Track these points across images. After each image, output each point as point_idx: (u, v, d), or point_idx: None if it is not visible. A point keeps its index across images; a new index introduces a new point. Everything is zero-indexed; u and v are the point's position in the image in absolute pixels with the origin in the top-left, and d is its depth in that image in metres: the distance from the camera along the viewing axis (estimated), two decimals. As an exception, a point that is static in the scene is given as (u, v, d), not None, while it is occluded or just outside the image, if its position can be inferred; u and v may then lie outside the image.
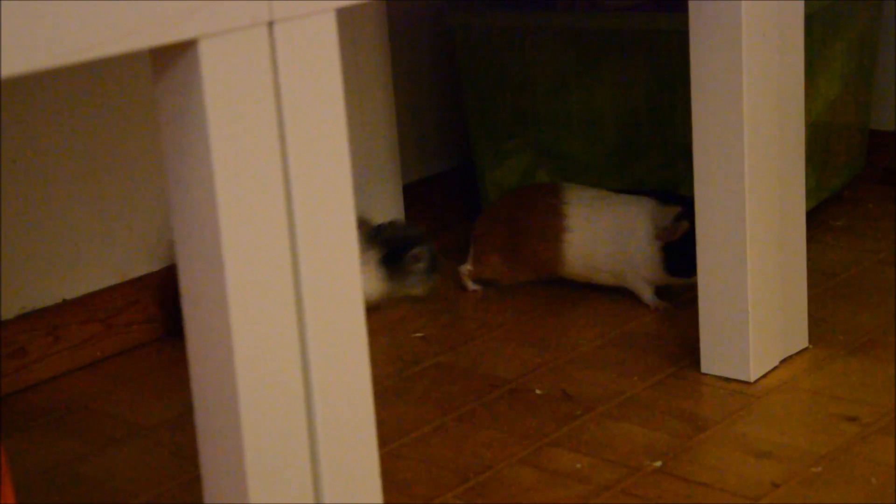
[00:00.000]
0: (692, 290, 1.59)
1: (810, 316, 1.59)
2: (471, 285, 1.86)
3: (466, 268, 1.86)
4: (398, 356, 1.68)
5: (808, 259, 1.59)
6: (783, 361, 1.55)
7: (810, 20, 1.73)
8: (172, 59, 0.88)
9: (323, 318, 0.96)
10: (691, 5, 1.44)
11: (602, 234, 1.76)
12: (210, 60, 0.87)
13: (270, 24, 0.90)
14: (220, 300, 0.91)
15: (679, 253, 1.69)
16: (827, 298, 1.73)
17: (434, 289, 1.86)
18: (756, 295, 1.50)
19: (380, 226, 1.87)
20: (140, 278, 1.77)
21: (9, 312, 1.66)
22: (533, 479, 1.34)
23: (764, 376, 1.52)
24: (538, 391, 1.54)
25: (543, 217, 1.79)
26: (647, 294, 1.75)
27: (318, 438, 0.97)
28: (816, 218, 2.00)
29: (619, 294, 1.81)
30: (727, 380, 1.52)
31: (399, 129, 2.03)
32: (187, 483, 1.38)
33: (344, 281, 0.98)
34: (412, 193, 2.07)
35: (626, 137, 1.93)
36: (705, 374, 1.54)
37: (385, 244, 1.83)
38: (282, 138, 0.92)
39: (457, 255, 1.92)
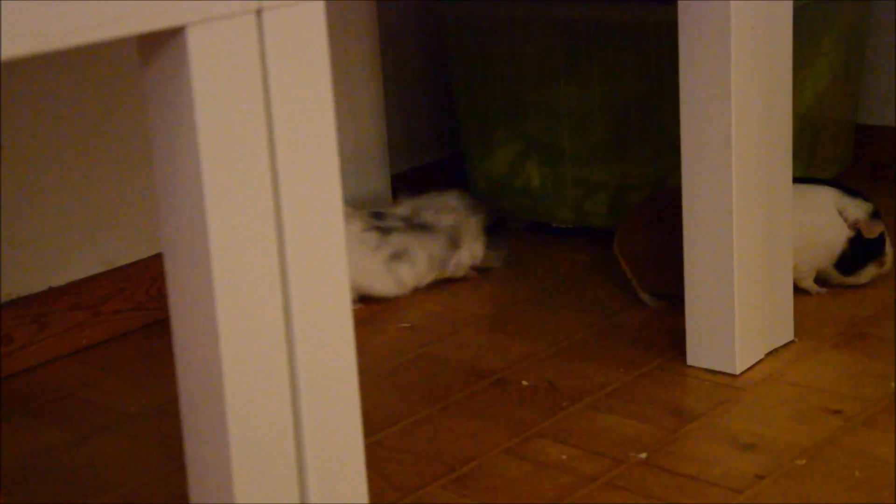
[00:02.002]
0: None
1: (796, 309, 1.60)
2: (649, 300, 1.76)
3: (632, 279, 1.76)
4: (384, 346, 1.68)
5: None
6: (769, 354, 1.56)
7: (799, 14, 1.73)
8: (160, 46, 0.88)
9: (309, 307, 0.96)
10: (681, -2, 1.45)
11: None
12: (198, 48, 0.87)
13: (259, 12, 0.90)
14: (205, 288, 0.91)
15: (856, 251, 1.68)
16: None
17: (509, 257, 1.92)
18: (742, 288, 1.50)
19: (479, 199, 1.94)
20: (127, 266, 1.77)
21: (-6, 299, 1.65)
22: (518, 470, 1.34)
23: (749, 369, 1.53)
24: (524, 382, 1.54)
25: None
26: (809, 279, 1.72)
27: (303, 428, 0.97)
28: (803, 211, 2.00)
29: (607, 285, 1.81)
30: (713, 372, 1.52)
31: (388, 119, 2.02)
32: (172, 471, 1.38)
33: (331, 270, 0.97)
34: (401, 184, 2.07)
35: (616, 129, 1.93)
36: (691, 367, 1.54)
37: (491, 216, 1.92)
38: (269, 126, 0.92)
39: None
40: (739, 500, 1.26)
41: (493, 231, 1.92)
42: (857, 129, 2.19)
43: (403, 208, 1.88)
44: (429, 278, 1.87)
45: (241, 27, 0.89)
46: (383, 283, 1.82)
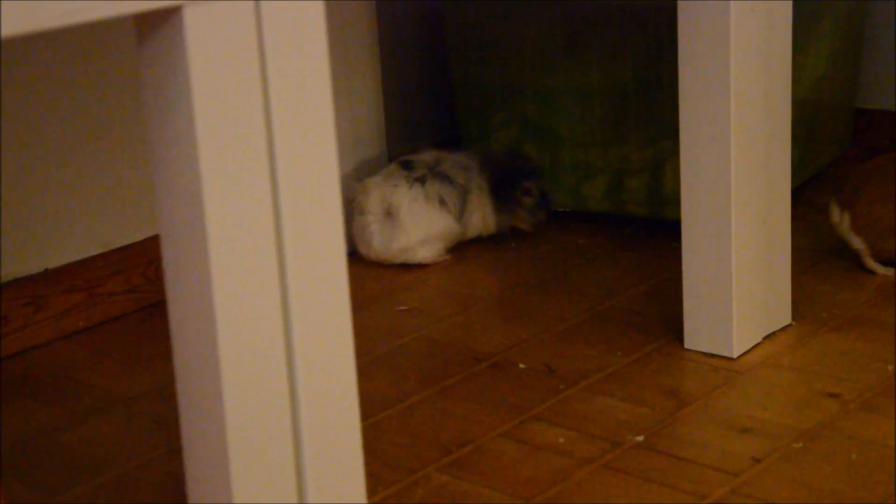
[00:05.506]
0: (677, 266, 1.59)
1: (794, 293, 1.60)
2: (880, 268, 1.73)
3: (864, 248, 1.73)
4: (382, 329, 1.68)
5: (793, 236, 1.59)
6: (766, 338, 1.56)
7: (798, -3, 1.73)
8: (157, 25, 0.88)
9: (306, 289, 0.96)
10: (679, -20, 1.44)
11: None
12: (194, 27, 0.86)
13: (256, -8, 0.89)
14: (202, 270, 0.90)
15: None
16: (810, 276, 1.74)
17: (541, 225, 1.91)
18: (740, 272, 1.50)
19: (491, 155, 1.93)
20: (123, 248, 1.77)
21: (-10, 281, 1.65)
22: (515, 453, 1.34)
23: (747, 352, 1.53)
24: (522, 365, 1.54)
25: None
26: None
27: (300, 410, 0.97)
28: (802, 195, 2.00)
29: (604, 269, 1.81)
30: (710, 356, 1.52)
31: (386, 103, 2.02)
32: (168, 453, 1.38)
33: (328, 253, 0.97)
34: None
35: (614, 112, 1.92)
36: (688, 350, 1.54)
37: (496, 174, 1.89)
38: (266, 107, 0.91)
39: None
40: (736, 482, 1.26)
41: (506, 191, 1.90)
42: (856, 112, 2.18)
43: (427, 155, 1.91)
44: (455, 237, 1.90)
45: (238, 7, 0.89)
46: (450, 225, 1.87)
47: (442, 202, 1.86)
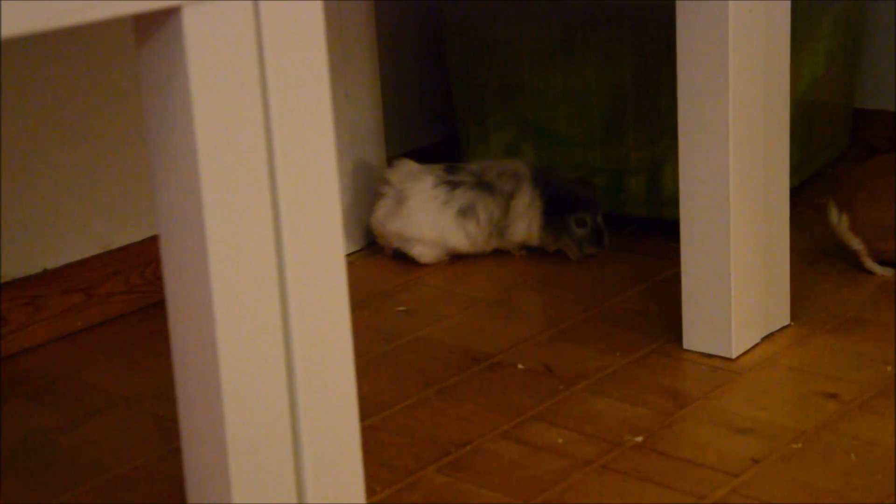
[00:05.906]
0: (675, 266, 1.59)
1: (792, 293, 1.60)
2: (879, 269, 1.73)
3: (862, 248, 1.73)
4: (380, 330, 1.68)
5: (791, 236, 1.59)
6: (765, 338, 1.56)
7: (797, -3, 1.73)
8: (155, 26, 0.88)
9: (305, 290, 0.96)
10: (678, -20, 1.44)
11: None
12: (194, 28, 0.86)
13: (255, -7, 0.89)
14: (201, 270, 0.90)
15: None
16: (809, 276, 1.74)
17: (589, 257, 1.87)
18: (739, 272, 1.50)
19: (553, 172, 1.90)
20: (122, 249, 1.77)
21: (-11, 282, 1.65)
22: (514, 454, 1.34)
23: (745, 353, 1.53)
24: (520, 366, 1.54)
25: None
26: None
27: (299, 411, 0.97)
28: (800, 195, 2.00)
29: (603, 269, 1.81)
30: (709, 356, 1.52)
31: (384, 102, 2.02)
32: (168, 454, 1.38)
33: (327, 254, 0.97)
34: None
35: (612, 113, 1.92)
36: (687, 350, 1.54)
37: (554, 193, 1.86)
38: (265, 108, 0.91)
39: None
40: (735, 483, 1.26)
41: (559, 215, 1.84)
42: (854, 112, 2.18)
43: (476, 165, 1.90)
44: (493, 243, 1.88)
45: (237, 8, 0.89)
46: (457, 238, 1.85)
47: (463, 214, 1.84)
